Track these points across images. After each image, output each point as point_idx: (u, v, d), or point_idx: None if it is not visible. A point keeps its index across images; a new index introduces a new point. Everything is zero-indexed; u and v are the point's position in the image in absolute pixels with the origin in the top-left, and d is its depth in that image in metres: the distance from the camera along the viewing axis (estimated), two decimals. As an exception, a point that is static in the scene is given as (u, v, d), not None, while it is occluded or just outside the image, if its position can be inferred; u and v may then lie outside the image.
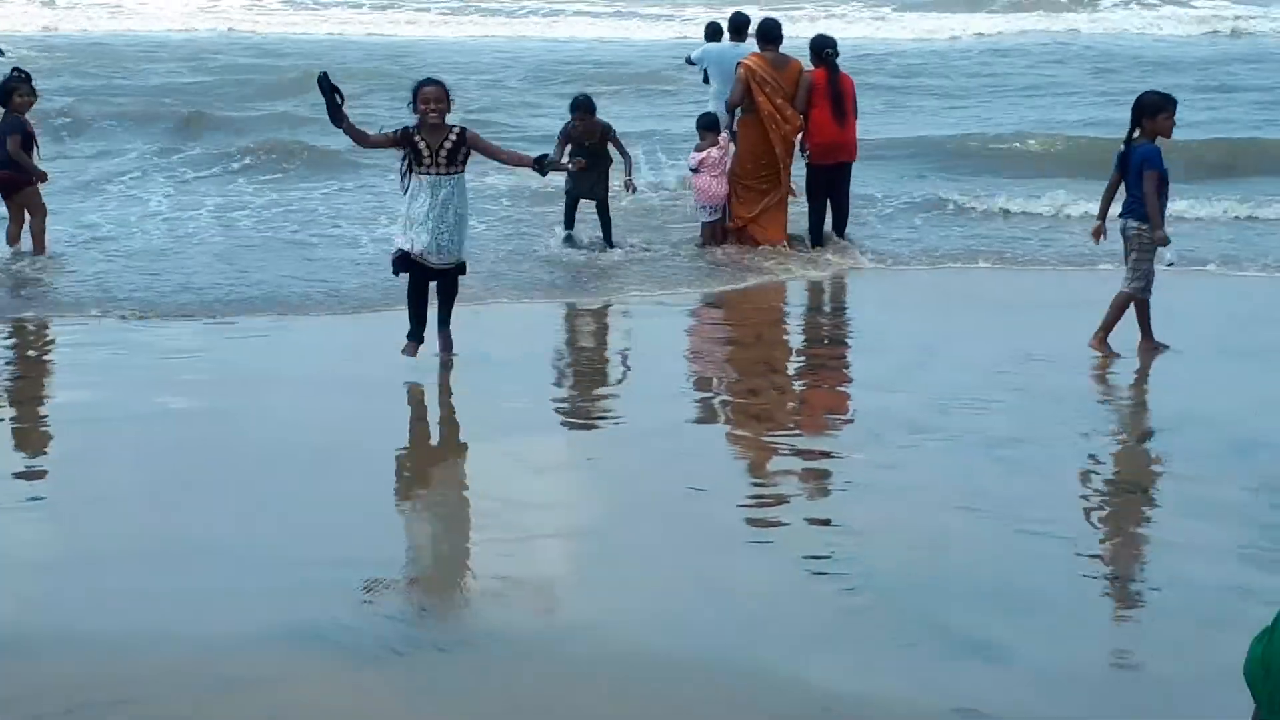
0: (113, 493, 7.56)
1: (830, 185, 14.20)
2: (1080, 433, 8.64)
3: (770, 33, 14.36)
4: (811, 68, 14.12)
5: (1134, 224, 10.27)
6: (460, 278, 10.20)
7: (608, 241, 14.11)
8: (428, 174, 9.76)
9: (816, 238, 14.26)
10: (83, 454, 8.31)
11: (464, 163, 9.87)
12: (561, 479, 8.11)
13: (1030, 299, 12.77)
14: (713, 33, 16.67)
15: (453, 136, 9.80)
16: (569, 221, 14.26)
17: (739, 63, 14.26)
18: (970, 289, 13.19)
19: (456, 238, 9.92)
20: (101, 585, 6.40)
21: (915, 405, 9.09)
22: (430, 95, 9.70)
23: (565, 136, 14.03)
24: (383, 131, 9.87)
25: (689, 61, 16.85)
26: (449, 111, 9.82)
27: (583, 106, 14.11)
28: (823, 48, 14.14)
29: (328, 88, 9.41)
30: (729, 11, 17.12)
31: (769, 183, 14.16)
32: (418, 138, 9.77)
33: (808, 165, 14.18)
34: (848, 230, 14.45)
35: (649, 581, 6.52)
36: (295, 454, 8.23)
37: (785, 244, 14.16)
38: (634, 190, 14.93)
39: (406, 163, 9.82)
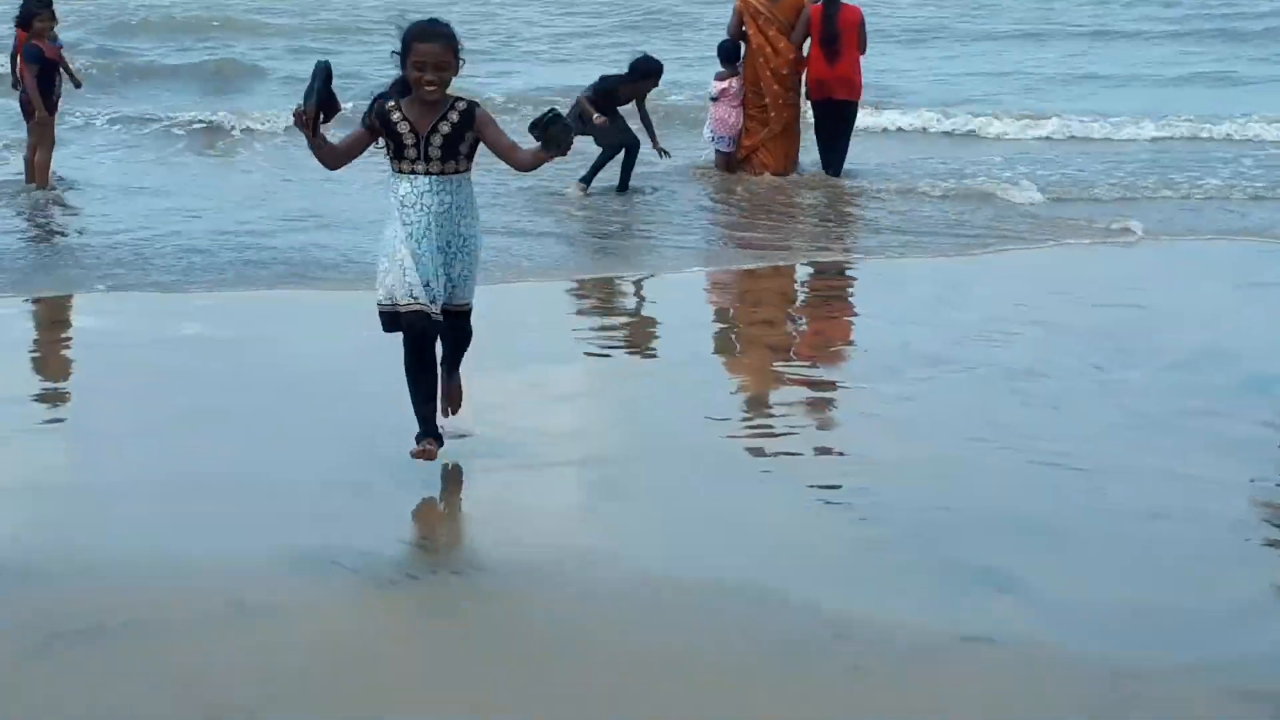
0: (130, 418, 7.58)
1: (823, 122, 14.08)
2: (1095, 365, 8.62)
3: None
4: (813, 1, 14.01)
5: None
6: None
7: (624, 186, 13.89)
8: (415, 173, 6.50)
9: (828, 168, 14.22)
10: (102, 379, 8.34)
11: (469, 157, 6.57)
12: (576, 408, 8.11)
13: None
14: None
15: (453, 117, 6.45)
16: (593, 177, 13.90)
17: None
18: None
19: (465, 270, 6.69)
20: (116, 511, 6.42)
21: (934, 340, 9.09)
22: (428, 55, 6.34)
23: (606, 95, 13.74)
24: (357, 131, 6.59)
25: None
26: (455, 74, 6.47)
27: (655, 74, 13.88)
28: None
29: (321, 84, 6.24)
30: None
31: (778, 114, 14.10)
32: (397, 115, 6.45)
33: (809, 100, 14.10)
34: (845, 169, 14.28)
35: (662, 510, 6.53)
36: (312, 382, 8.24)
37: (784, 174, 14.09)
38: (666, 154, 14.34)
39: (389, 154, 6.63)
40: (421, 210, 6.51)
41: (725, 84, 14.27)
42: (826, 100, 13.95)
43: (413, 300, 6.51)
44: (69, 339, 9.42)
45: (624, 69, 13.99)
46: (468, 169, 6.58)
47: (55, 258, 11.24)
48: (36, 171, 13.30)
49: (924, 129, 17.83)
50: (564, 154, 6.32)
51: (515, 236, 12.02)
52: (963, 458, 7.14)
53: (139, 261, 10.94)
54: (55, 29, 13.58)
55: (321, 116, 6.25)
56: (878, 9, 24.54)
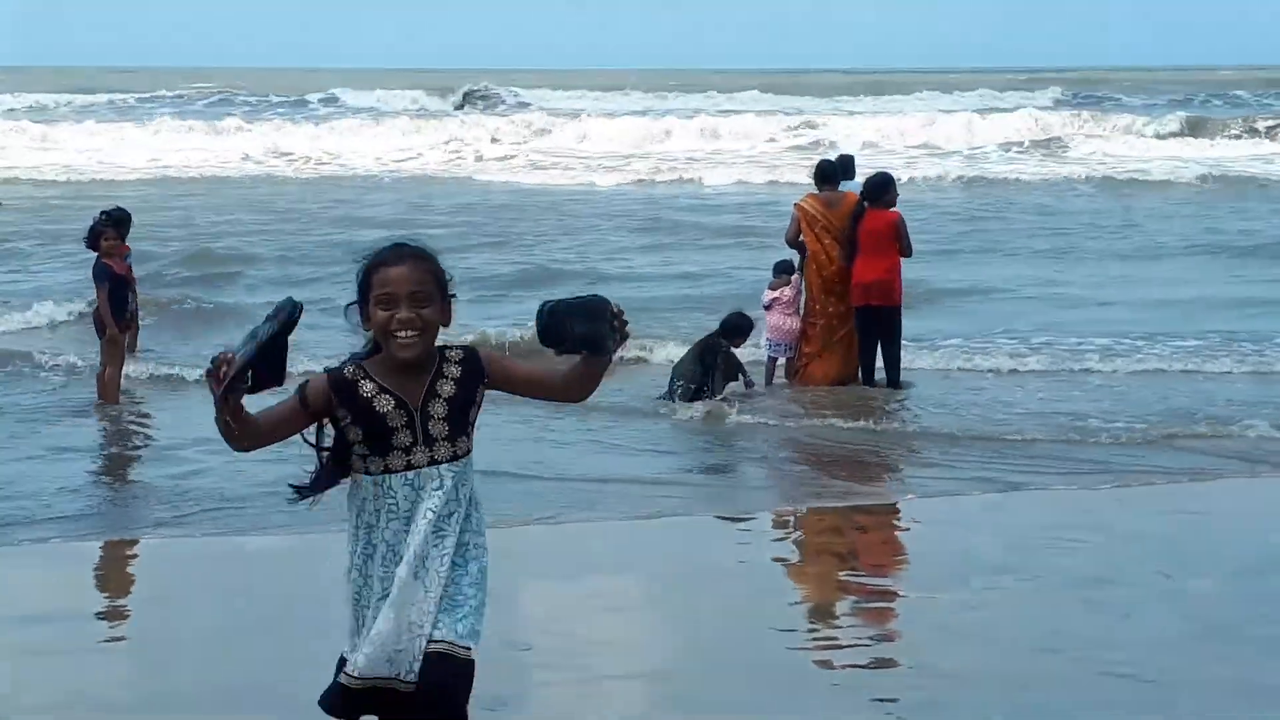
0: (189, 634, 7.62)
1: (867, 329, 14.06)
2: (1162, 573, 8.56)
3: (826, 172, 14.53)
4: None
5: None
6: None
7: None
8: (413, 467, 4.55)
9: (865, 378, 14.14)
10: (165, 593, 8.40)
11: (474, 424, 4.68)
12: (637, 619, 8.10)
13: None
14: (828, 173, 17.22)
15: (453, 372, 4.62)
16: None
17: (795, 204, 14.43)
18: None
19: (469, 589, 4.62)
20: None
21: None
22: (398, 284, 4.53)
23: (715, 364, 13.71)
24: (289, 404, 4.58)
25: None
26: (445, 322, 4.65)
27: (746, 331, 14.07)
28: (865, 187, 14.23)
29: (275, 331, 4.30)
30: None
31: (826, 321, 14.14)
32: (370, 388, 4.56)
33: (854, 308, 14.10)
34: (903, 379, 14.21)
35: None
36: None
37: (841, 383, 14.02)
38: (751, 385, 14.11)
39: (349, 451, 4.59)
40: (408, 520, 4.52)
41: (778, 292, 14.36)
42: (865, 306, 13.96)
43: (374, 666, 4.50)
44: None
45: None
46: (469, 449, 4.66)
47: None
48: (107, 389, 13.51)
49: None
50: (613, 350, 4.55)
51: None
52: (1030, 669, 7.07)
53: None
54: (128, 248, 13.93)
55: (249, 381, 4.28)
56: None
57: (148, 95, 66.22)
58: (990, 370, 15.05)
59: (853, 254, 13.83)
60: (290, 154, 44.53)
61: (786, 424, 12.75)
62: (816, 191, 14.44)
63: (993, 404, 13.39)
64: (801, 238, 14.17)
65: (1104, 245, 24.94)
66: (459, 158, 44.60)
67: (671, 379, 13.64)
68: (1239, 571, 8.59)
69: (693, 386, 13.39)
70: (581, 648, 7.39)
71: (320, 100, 64.65)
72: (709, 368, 13.57)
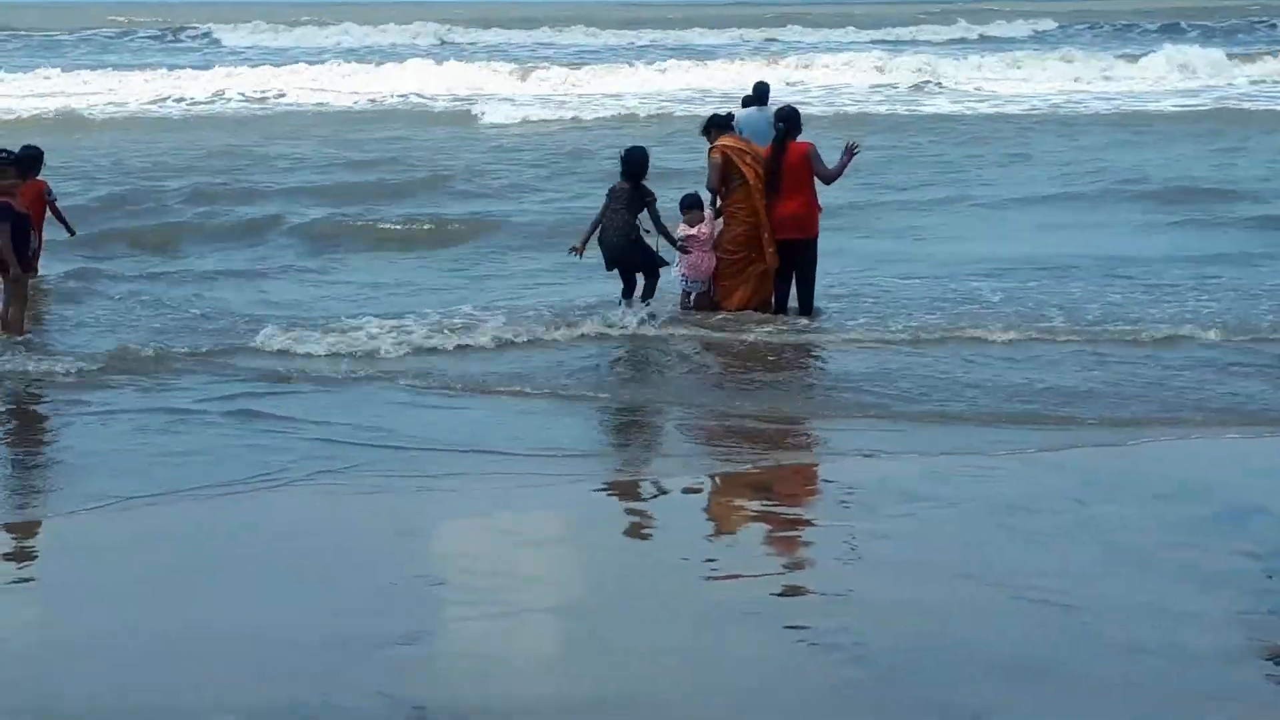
0: (103, 578, 7.52)
1: (784, 260, 14.07)
2: (1076, 499, 8.61)
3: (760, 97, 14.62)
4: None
5: None
6: None
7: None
8: None
9: (779, 307, 14.14)
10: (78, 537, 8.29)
11: None
12: (550, 554, 8.06)
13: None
14: (746, 101, 17.73)
15: None
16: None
17: (711, 148, 14.31)
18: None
19: None
20: (90, 670, 6.36)
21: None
22: None
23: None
24: None
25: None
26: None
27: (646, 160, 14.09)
28: (775, 120, 14.17)
29: None
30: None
31: (753, 252, 14.10)
32: None
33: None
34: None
35: (639, 655, 6.47)
36: (284, 540, 8.20)
37: (762, 309, 14.05)
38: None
39: None
40: None
41: (695, 230, 14.23)
42: (787, 240, 13.92)
43: None
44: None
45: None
46: None
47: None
48: (10, 325, 13.29)
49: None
50: None
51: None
52: (943, 595, 7.09)
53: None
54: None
55: None
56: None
57: None
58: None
59: (776, 186, 13.80)
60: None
61: (705, 350, 12.71)
62: (732, 128, 14.48)
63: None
64: (745, 170, 14.05)
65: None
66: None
67: (612, 244, 13.81)
68: (1154, 498, 8.64)
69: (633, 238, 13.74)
70: (496, 582, 7.34)
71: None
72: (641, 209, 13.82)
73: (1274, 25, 72.01)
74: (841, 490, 9.02)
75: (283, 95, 39.85)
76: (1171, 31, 68.30)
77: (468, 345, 12.65)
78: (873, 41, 67.94)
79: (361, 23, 77.31)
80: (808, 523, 8.45)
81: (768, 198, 13.85)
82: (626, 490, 9.21)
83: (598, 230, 13.94)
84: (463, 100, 38.16)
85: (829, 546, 7.91)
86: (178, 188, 22.34)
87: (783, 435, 10.24)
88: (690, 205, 14.34)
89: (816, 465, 9.83)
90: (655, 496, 9.07)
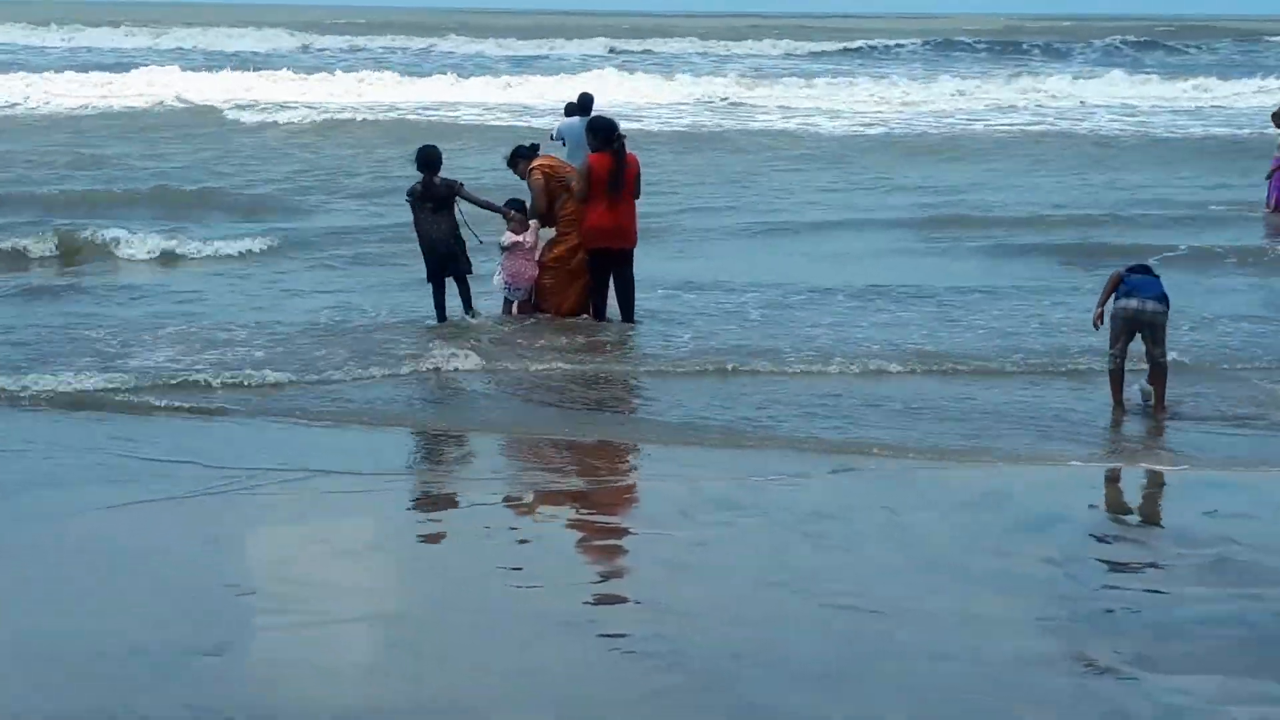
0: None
1: (613, 270, 14.13)
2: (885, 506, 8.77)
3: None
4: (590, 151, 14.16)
5: None
6: None
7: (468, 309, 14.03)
8: None
9: (597, 315, 14.23)
10: None
11: None
12: (364, 562, 8.00)
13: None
14: (570, 109, 17.77)
15: None
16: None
17: (532, 169, 14.32)
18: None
19: None
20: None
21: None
22: None
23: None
24: None
25: (552, 138, 17.29)
26: None
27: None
28: (609, 134, 14.18)
29: None
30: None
31: (572, 265, 14.21)
32: None
33: (589, 250, 14.10)
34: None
35: (454, 664, 6.46)
36: (95, 549, 8.05)
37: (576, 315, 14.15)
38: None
39: None
40: None
41: (520, 237, 14.24)
42: (617, 249, 13.98)
43: None
44: None
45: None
46: None
47: None
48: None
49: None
50: None
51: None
52: (755, 603, 7.18)
53: None
54: None
55: None
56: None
57: None
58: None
59: (619, 194, 13.85)
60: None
61: (528, 364, 12.65)
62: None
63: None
64: (562, 195, 14.12)
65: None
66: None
67: (440, 253, 13.78)
68: (958, 506, 8.84)
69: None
70: (307, 592, 7.27)
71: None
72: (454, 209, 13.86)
73: (1118, 48, 71.46)
74: (657, 502, 9.08)
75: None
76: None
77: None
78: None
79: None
80: (625, 532, 8.50)
81: (608, 204, 13.85)
82: (439, 504, 9.17)
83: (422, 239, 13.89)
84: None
85: (645, 555, 7.97)
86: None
87: (599, 453, 10.24)
88: (516, 206, 14.35)
89: (633, 482, 9.88)
90: (469, 508, 9.02)
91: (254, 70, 47.13)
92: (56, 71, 44.25)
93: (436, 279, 13.92)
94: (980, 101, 41.06)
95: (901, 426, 10.53)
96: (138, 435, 10.20)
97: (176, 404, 10.90)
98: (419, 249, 13.90)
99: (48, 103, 36.54)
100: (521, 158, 14.53)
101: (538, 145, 14.92)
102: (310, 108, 36.09)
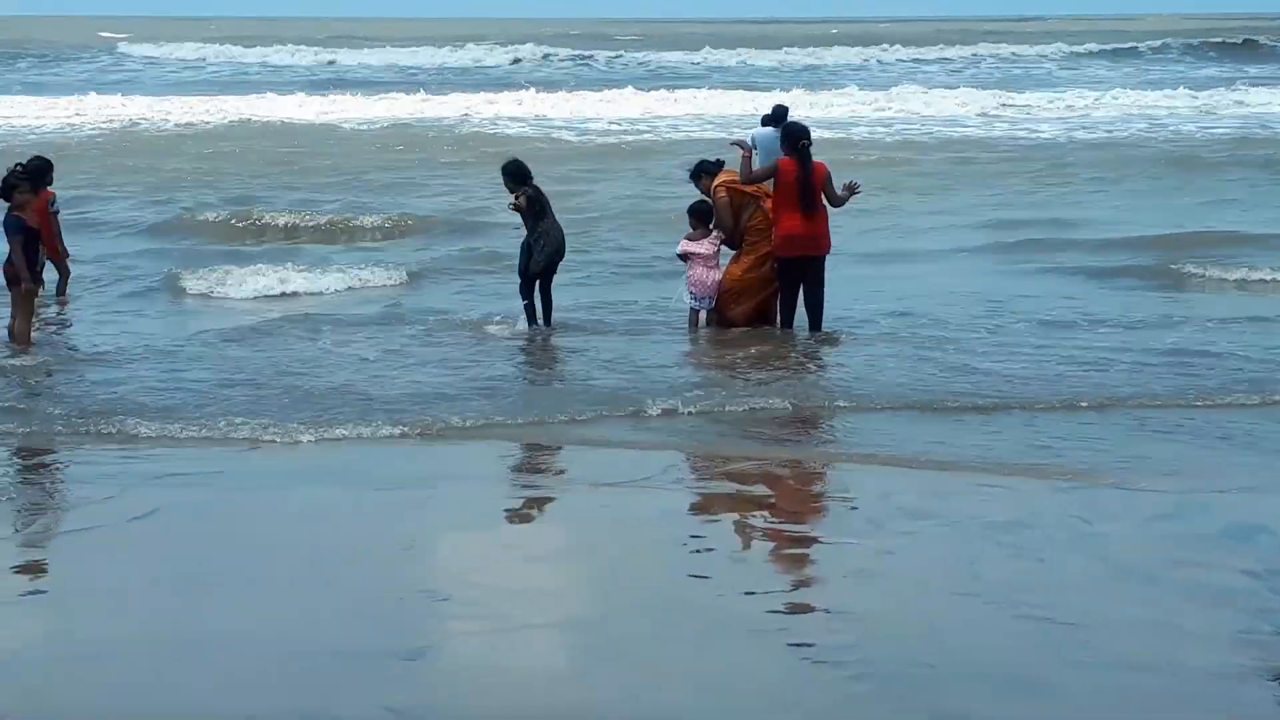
0: (113, 585, 7.56)
1: (802, 280, 14.05)
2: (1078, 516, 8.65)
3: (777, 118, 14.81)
4: (783, 156, 14.06)
5: None
6: None
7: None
8: None
9: (785, 324, 14.19)
10: (87, 545, 8.33)
11: None
12: (558, 567, 8.09)
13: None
14: (765, 120, 17.33)
15: None
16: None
17: (716, 185, 14.30)
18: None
19: None
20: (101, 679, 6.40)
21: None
22: None
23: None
24: None
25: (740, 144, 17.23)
26: None
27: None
28: (797, 137, 14.10)
29: None
30: None
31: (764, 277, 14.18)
32: None
33: (777, 258, 14.04)
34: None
35: (646, 671, 6.50)
36: (295, 547, 8.25)
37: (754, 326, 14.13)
38: None
39: None
40: None
41: (698, 246, 14.25)
42: (805, 258, 13.90)
43: None
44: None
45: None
46: None
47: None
48: (16, 338, 13.34)
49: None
50: None
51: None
52: (946, 612, 7.13)
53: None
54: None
55: None
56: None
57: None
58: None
59: (811, 202, 13.79)
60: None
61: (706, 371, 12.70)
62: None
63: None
64: (749, 206, 14.14)
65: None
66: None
67: (546, 251, 14.12)
68: (1153, 517, 8.68)
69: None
70: (499, 597, 7.37)
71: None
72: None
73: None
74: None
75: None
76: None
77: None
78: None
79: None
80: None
81: (800, 212, 13.79)
82: (627, 513, 9.22)
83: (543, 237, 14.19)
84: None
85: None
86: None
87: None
88: (697, 214, 14.34)
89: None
90: (657, 517, 9.05)
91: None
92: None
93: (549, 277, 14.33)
94: None
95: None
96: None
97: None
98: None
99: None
100: (706, 173, 14.53)
101: (722, 161, 14.87)
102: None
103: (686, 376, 12.43)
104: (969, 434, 10.56)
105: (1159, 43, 73.57)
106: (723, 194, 14.21)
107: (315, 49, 73.06)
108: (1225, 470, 9.71)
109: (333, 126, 36.49)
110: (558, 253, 14.25)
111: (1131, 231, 20.27)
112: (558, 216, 14.44)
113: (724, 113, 39.88)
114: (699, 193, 14.51)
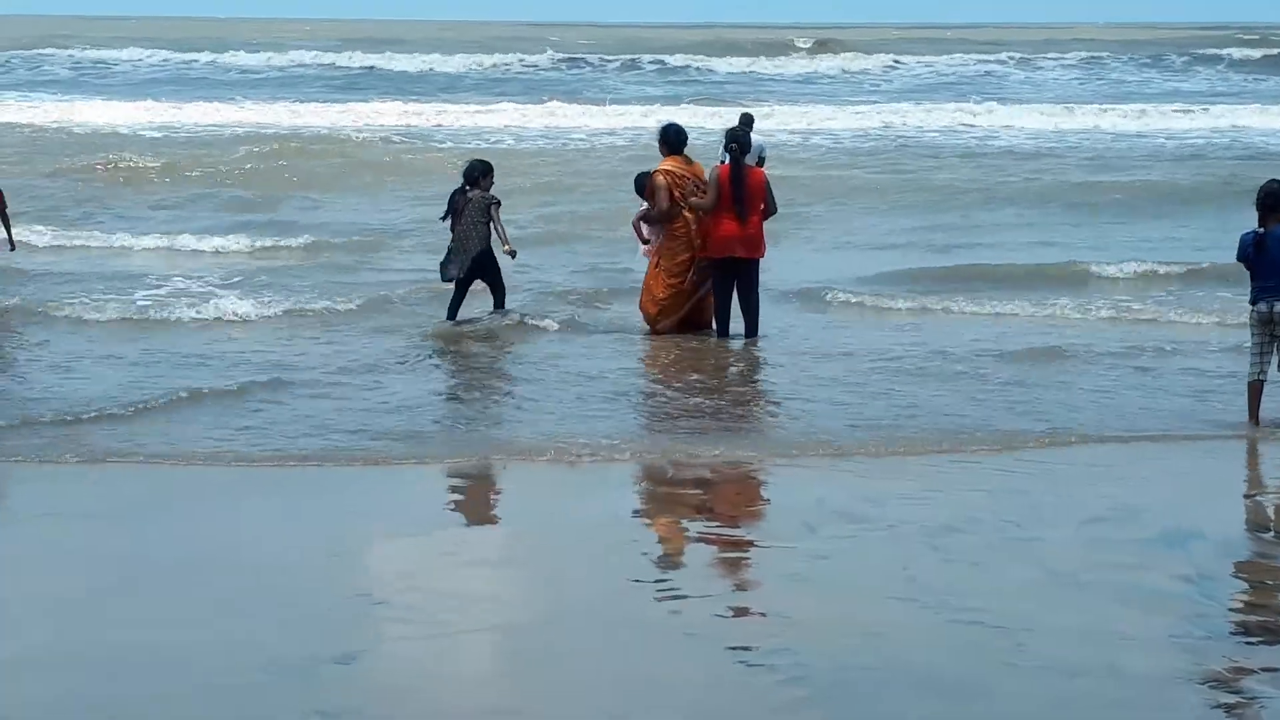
0: (48, 595, 7.45)
1: (735, 282, 14.08)
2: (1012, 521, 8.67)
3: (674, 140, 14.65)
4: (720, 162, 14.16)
5: None
6: None
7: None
8: None
9: (721, 328, 14.23)
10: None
11: None
12: (494, 574, 8.04)
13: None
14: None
15: None
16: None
17: (654, 172, 14.34)
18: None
19: None
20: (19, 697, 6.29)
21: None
22: None
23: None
24: None
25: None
26: None
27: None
28: (729, 140, 14.20)
29: None
30: None
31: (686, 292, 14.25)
32: None
33: (710, 261, 14.07)
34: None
35: (581, 675, 6.47)
36: (218, 557, 8.16)
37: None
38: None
39: None
40: None
41: (645, 238, 14.51)
42: (735, 259, 13.92)
43: None
44: None
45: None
46: None
47: None
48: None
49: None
50: None
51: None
52: (882, 617, 7.12)
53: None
54: None
55: None
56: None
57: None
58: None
59: (742, 205, 13.81)
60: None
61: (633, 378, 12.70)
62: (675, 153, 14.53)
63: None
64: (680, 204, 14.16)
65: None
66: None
67: (460, 256, 14.36)
68: (1087, 521, 8.71)
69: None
70: (436, 601, 7.31)
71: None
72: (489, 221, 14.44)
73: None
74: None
75: None
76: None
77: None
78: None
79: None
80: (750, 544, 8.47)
81: (735, 215, 13.81)
82: (566, 517, 9.19)
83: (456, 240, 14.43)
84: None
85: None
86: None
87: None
88: (645, 187, 14.47)
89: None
90: (595, 524, 9.03)
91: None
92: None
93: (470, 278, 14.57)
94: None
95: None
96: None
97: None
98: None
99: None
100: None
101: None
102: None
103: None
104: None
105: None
106: (660, 178, 14.26)
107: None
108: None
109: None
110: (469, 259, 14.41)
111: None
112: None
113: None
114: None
